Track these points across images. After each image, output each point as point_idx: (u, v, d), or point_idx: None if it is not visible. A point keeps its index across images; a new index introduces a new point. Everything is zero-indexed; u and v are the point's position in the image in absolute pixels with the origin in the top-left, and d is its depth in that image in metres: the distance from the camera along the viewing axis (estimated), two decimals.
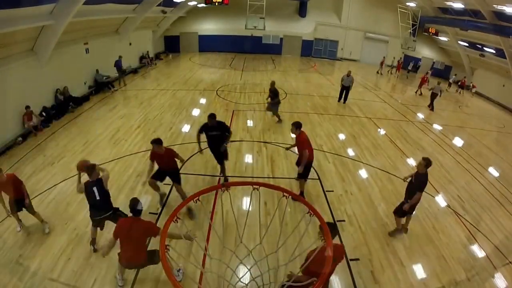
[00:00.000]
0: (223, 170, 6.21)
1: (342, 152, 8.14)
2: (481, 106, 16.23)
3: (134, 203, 3.53)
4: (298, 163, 5.68)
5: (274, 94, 9.31)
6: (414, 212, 5.00)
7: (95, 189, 4.11)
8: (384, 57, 21.89)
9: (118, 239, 3.52)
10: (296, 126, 5.43)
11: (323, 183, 6.54)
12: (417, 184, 4.63)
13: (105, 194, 4.20)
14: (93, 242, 4.46)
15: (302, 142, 5.40)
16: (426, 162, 4.55)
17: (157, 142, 4.89)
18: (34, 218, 4.81)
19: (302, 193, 5.83)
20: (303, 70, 20.08)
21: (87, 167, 4.19)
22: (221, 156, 6.00)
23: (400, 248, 4.89)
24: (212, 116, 5.54)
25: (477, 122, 12.61)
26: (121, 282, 3.92)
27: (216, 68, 18.71)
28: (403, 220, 5.15)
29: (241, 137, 8.59)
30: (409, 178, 4.92)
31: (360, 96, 14.03)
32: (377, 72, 20.94)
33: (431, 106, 13.28)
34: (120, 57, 13.40)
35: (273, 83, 9.52)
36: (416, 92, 16.12)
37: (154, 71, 17.16)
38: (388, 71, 21.50)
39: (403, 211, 4.85)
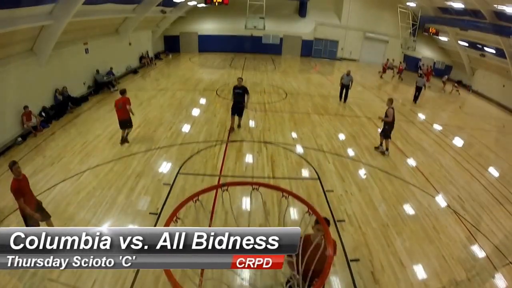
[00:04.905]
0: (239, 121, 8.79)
1: (342, 152, 8.14)
2: (481, 106, 16.22)
3: None
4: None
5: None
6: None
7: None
8: (388, 60, 20.58)
9: None
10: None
11: (323, 183, 6.53)
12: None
13: None
14: None
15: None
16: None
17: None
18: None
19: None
20: (303, 70, 20.06)
21: None
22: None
23: (400, 249, 4.89)
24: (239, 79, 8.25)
25: (477, 122, 12.60)
26: None
27: (216, 68, 18.69)
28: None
29: (242, 137, 8.58)
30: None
31: (360, 95, 14.02)
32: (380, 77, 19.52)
33: (415, 100, 14.12)
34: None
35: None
36: (379, 73, 19.28)
37: (154, 71, 17.13)
38: (393, 76, 19.87)
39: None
